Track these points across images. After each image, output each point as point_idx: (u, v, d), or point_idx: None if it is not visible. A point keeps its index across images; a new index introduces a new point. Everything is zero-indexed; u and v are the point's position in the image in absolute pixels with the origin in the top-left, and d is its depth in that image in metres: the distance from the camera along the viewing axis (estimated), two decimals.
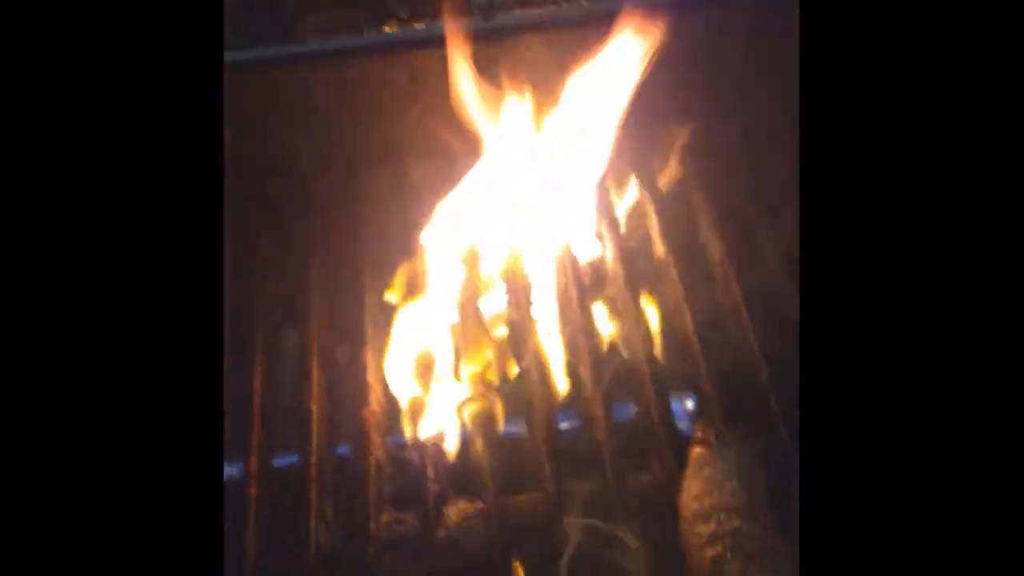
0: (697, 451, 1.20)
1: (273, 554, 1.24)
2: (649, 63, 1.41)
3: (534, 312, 1.46)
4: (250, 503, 1.29)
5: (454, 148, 1.53)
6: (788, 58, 0.95)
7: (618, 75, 1.44)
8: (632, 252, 1.50)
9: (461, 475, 1.32)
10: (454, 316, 1.47)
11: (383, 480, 1.32)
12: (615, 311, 1.47)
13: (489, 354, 1.43)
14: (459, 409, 1.38)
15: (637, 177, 1.59)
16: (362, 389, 1.41)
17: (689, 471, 1.19)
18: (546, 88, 1.45)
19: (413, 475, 1.32)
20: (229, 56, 1.50)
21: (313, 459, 1.33)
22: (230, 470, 1.34)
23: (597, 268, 1.51)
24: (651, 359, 1.38)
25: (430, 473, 1.31)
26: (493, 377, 1.42)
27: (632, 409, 1.37)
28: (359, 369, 1.43)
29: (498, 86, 1.49)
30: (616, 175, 1.60)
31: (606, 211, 1.56)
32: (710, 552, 1.09)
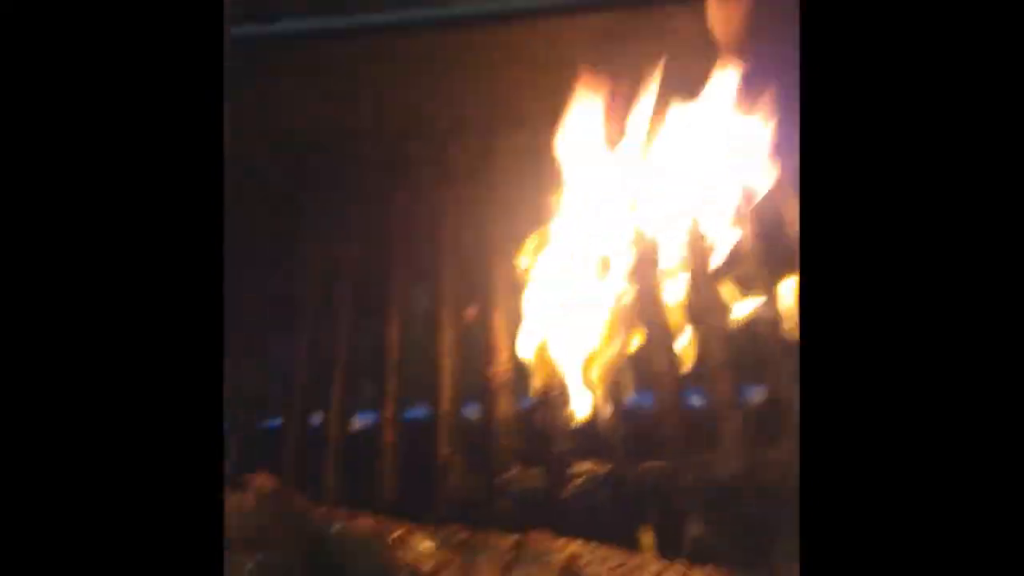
0: None
1: (407, 497, 1.29)
2: None
3: (664, 284, 1.47)
4: (385, 449, 1.34)
5: (587, 118, 1.55)
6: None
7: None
8: (768, 229, 1.50)
9: (588, 438, 1.35)
10: (583, 283, 1.50)
11: (510, 436, 1.35)
12: (747, 289, 1.47)
13: (617, 322, 1.45)
14: (587, 373, 1.41)
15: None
16: (490, 348, 1.45)
17: None
18: (693, 58, 1.45)
19: (540, 434, 1.36)
20: (363, 19, 1.56)
21: (442, 411, 1.38)
22: (366, 417, 1.41)
23: (731, 245, 1.51)
24: (782, 339, 1.38)
25: (557, 433, 1.34)
26: (622, 345, 1.44)
27: (761, 390, 1.37)
28: (488, 329, 1.47)
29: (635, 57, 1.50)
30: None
31: (742, 186, 1.56)
32: None
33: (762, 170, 1.58)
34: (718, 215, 1.55)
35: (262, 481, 1.21)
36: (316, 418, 1.42)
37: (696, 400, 1.37)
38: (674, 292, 1.49)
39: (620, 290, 1.50)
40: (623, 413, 1.36)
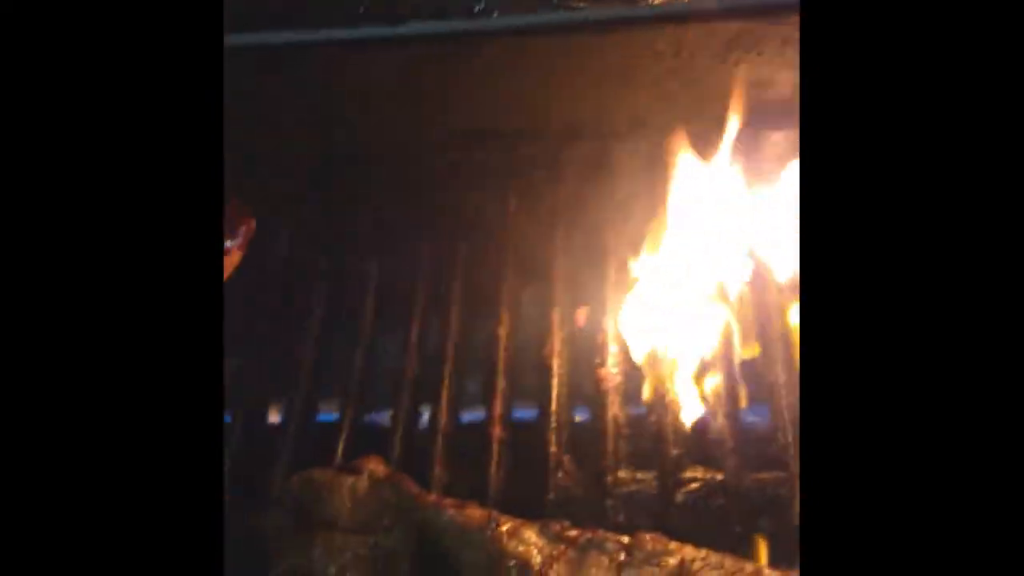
0: None
1: (515, 492, 1.28)
2: None
3: (781, 294, 1.44)
4: (493, 444, 1.34)
5: (706, 124, 1.53)
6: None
7: None
8: None
9: (700, 445, 1.32)
10: (697, 290, 1.48)
11: (620, 438, 1.34)
12: None
13: (731, 331, 1.43)
14: (700, 381, 1.39)
15: None
16: (601, 350, 1.44)
17: None
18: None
19: (650, 438, 1.34)
20: (482, 23, 1.57)
21: (552, 409, 1.37)
22: (474, 414, 1.41)
23: None
24: None
25: (669, 438, 1.32)
26: (736, 354, 1.41)
27: None
28: (598, 332, 1.46)
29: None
30: None
31: None
32: None
33: None
34: None
35: (375, 466, 1.22)
36: (425, 412, 1.43)
37: None
38: (790, 302, 1.46)
39: (735, 298, 1.47)
40: (736, 422, 1.33)
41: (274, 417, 1.45)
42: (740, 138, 1.52)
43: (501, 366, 1.44)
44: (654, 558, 1.13)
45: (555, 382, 1.41)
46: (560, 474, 1.30)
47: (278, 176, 1.66)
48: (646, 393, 1.40)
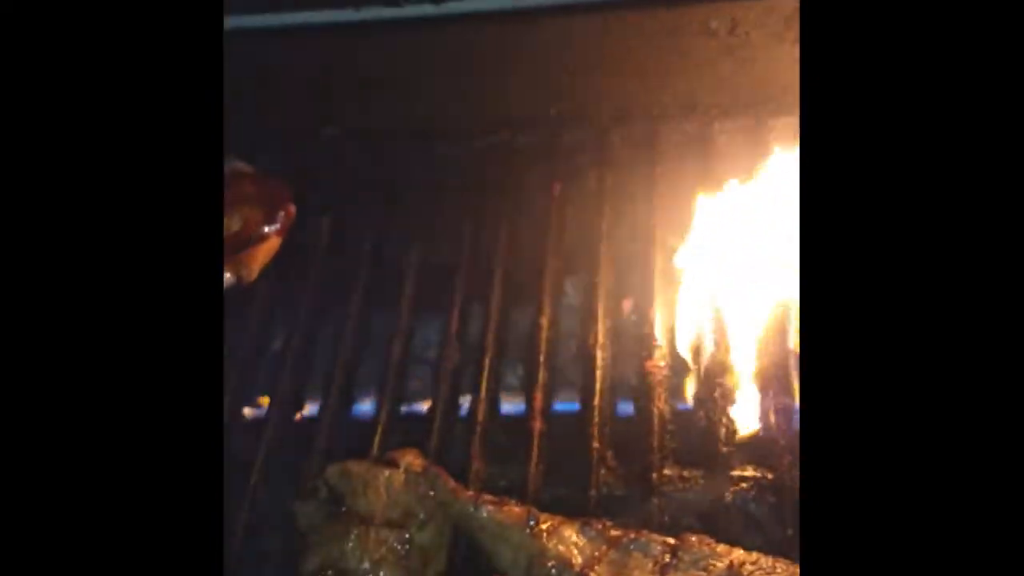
0: None
1: (556, 488, 1.24)
2: None
3: None
4: (533, 438, 1.29)
5: (762, 106, 1.47)
6: None
7: None
8: None
9: (750, 444, 1.26)
10: (748, 281, 1.41)
11: (666, 434, 1.28)
12: None
13: (783, 326, 1.36)
14: (750, 377, 1.32)
15: None
16: (648, 342, 1.38)
17: None
18: None
19: (698, 434, 1.28)
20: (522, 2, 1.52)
21: (596, 403, 1.32)
22: (514, 402, 1.37)
23: None
24: None
25: (718, 434, 1.26)
26: (788, 350, 1.34)
27: None
28: (645, 323, 1.41)
29: None
30: None
31: None
32: None
33: None
34: None
35: (411, 459, 1.18)
36: (464, 404, 1.39)
37: None
38: None
39: (788, 291, 1.40)
40: (789, 418, 1.27)
41: (311, 406, 1.42)
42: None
43: (543, 357, 1.39)
44: (701, 561, 1.07)
45: (599, 374, 1.35)
46: (603, 471, 1.25)
47: (318, 160, 1.64)
48: (694, 387, 1.34)
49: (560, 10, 1.53)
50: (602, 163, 1.59)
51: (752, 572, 1.06)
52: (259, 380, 1.43)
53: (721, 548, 1.08)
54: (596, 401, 1.33)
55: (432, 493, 1.16)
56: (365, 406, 1.41)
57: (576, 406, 1.35)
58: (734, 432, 1.28)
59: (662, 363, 1.36)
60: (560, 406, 1.37)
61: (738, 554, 1.07)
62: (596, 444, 1.28)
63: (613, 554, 1.09)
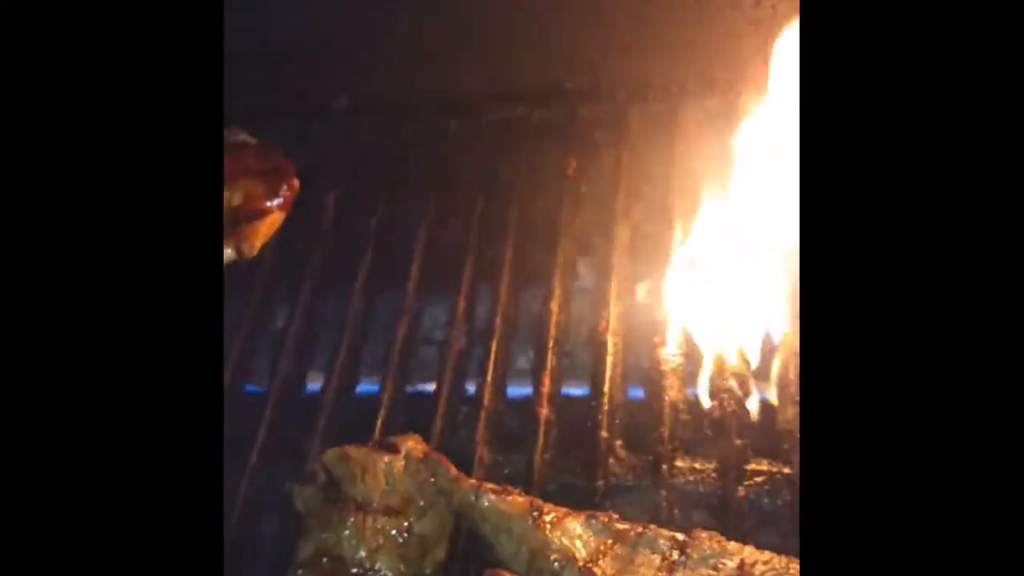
0: None
1: (562, 477, 1.20)
2: None
3: None
4: (540, 425, 1.25)
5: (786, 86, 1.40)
6: None
7: None
8: None
9: (765, 437, 1.21)
10: (767, 264, 1.35)
11: (678, 424, 1.24)
12: None
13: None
14: (768, 367, 1.27)
15: None
16: (661, 328, 1.33)
17: None
18: None
19: (711, 425, 1.23)
20: None
21: (605, 390, 1.28)
22: (521, 387, 1.33)
23: None
24: None
25: (731, 426, 1.21)
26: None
27: None
28: (659, 308, 1.36)
29: None
30: None
31: None
32: None
33: None
34: None
35: (412, 444, 1.14)
36: (470, 388, 1.34)
37: None
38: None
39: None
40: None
41: (312, 386, 1.38)
42: None
43: (552, 342, 1.34)
44: (710, 559, 1.03)
45: (609, 361, 1.31)
46: (611, 461, 1.21)
47: (325, 133, 1.59)
48: (708, 376, 1.29)
49: None
50: (619, 141, 1.54)
51: (764, 572, 1.02)
52: (260, 358, 1.40)
53: (732, 546, 1.03)
54: (606, 388, 1.28)
55: (433, 480, 1.12)
56: (368, 387, 1.37)
57: (585, 394, 1.30)
58: (748, 423, 1.23)
59: (675, 350, 1.31)
60: (568, 392, 1.33)
61: (749, 552, 1.03)
62: (605, 433, 1.24)
63: (619, 548, 1.05)
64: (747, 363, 1.28)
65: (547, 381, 1.30)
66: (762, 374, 1.28)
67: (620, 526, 1.06)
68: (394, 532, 1.09)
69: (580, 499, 1.15)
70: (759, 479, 1.15)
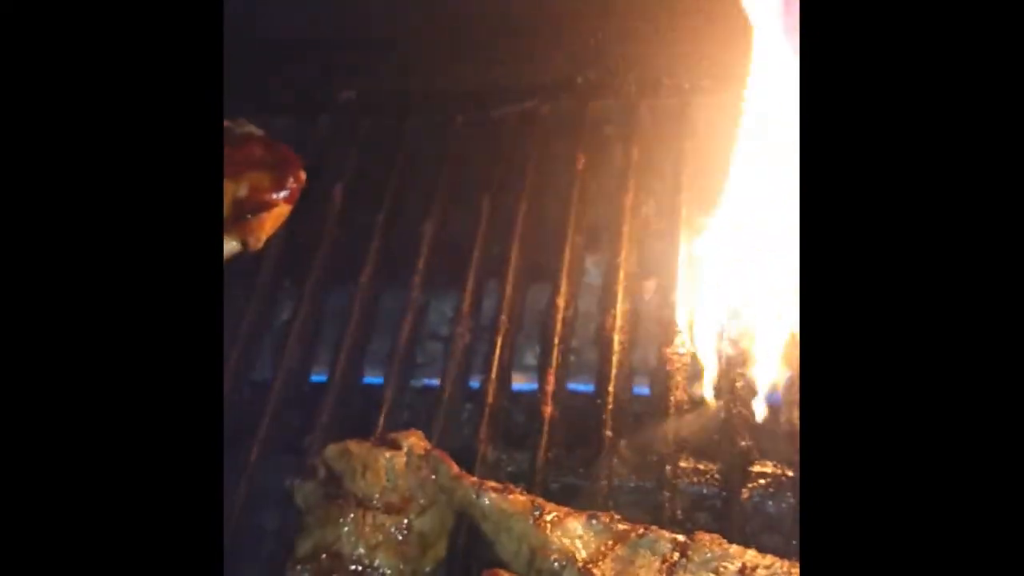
0: None
1: (564, 476, 1.19)
2: None
3: None
4: (543, 422, 1.24)
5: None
6: None
7: None
8: None
9: (770, 437, 1.20)
10: (777, 263, 1.34)
11: (682, 425, 1.22)
12: None
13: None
14: (776, 367, 1.25)
15: None
16: (668, 327, 1.32)
17: None
18: None
19: (716, 426, 1.22)
20: None
21: (610, 389, 1.27)
22: (525, 384, 1.32)
23: None
24: None
25: (737, 427, 1.20)
26: None
27: None
28: (667, 306, 1.34)
29: None
30: None
31: None
32: None
33: None
34: None
35: (414, 441, 1.13)
36: (474, 384, 1.34)
37: None
38: None
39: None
40: None
41: (316, 380, 1.38)
42: None
43: (558, 339, 1.33)
44: (712, 562, 1.02)
45: (615, 359, 1.30)
46: (614, 460, 1.20)
47: (332, 125, 1.58)
48: (715, 376, 1.28)
49: None
50: (629, 136, 1.52)
51: None
52: (264, 351, 1.40)
53: (734, 549, 1.02)
54: (611, 387, 1.27)
55: (434, 478, 1.11)
56: (372, 382, 1.36)
57: (590, 392, 1.29)
58: (754, 425, 1.21)
59: (682, 349, 1.30)
60: (574, 390, 1.31)
61: (751, 556, 1.02)
62: (609, 432, 1.23)
63: (620, 550, 1.04)
64: (754, 364, 1.27)
65: (552, 378, 1.28)
66: (768, 375, 1.26)
67: (621, 527, 1.05)
68: (394, 529, 1.08)
69: (582, 498, 1.14)
70: (763, 481, 1.14)
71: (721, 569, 1.02)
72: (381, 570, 1.06)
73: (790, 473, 1.15)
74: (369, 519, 1.08)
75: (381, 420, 1.28)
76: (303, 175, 1.43)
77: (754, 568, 1.01)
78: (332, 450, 1.14)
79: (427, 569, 1.09)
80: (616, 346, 1.31)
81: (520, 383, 1.34)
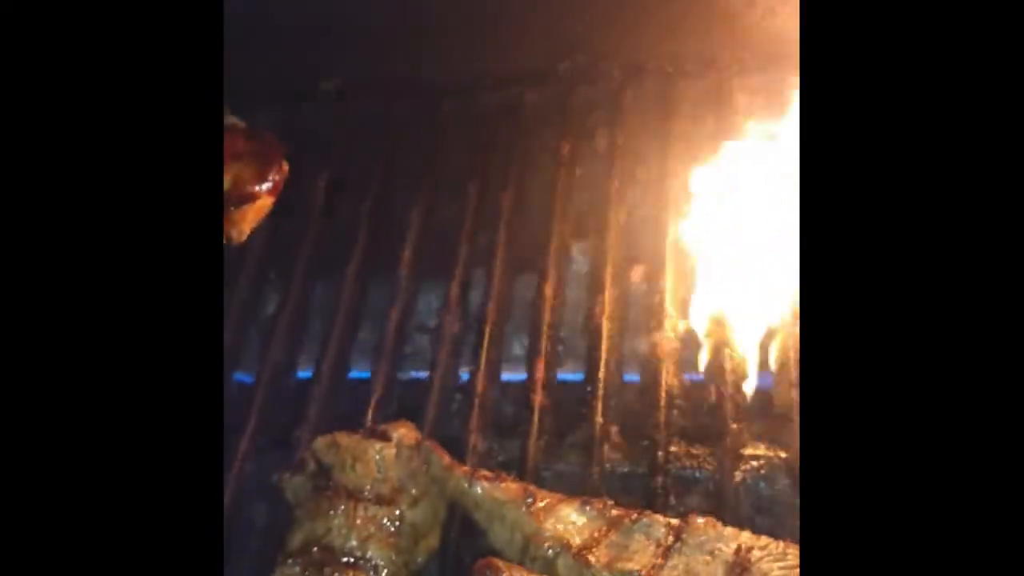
0: None
1: (556, 464, 1.18)
2: None
3: None
4: (533, 412, 1.23)
5: (785, 64, 1.38)
6: None
7: None
8: None
9: (762, 420, 1.20)
10: (764, 246, 1.33)
11: (674, 409, 1.22)
12: None
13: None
14: (766, 351, 1.25)
15: None
16: (657, 312, 1.31)
17: None
18: None
19: (708, 410, 1.22)
20: None
21: (600, 376, 1.26)
22: (514, 375, 1.31)
23: None
24: None
25: (728, 411, 1.19)
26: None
27: None
28: (656, 292, 1.34)
29: None
30: None
31: None
32: None
33: None
34: None
35: (404, 432, 1.12)
36: (463, 374, 1.33)
37: None
38: None
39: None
40: None
41: (303, 374, 1.36)
42: None
43: (547, 327, 1.32)
44: (707, 545, 1.01)
45: (605, 346, 1.29)
46: (606, 447, 1.19)
47: (315, 116, 1.57)
48: (705, 361, 1.27)
49: None
50: (614, 122, 1.51)
51: (760, 558, 1.00)
52: (250, 345, 1.38)
53: (728, 531, 1.02)
54: (601, 374, 1.26)
55: (425, 468, 1.10)
56: (360, 374, 1.35)
57: (580, 379, 1.28)
58: (745, 408, 1.21)
59: (672, 335, 1.29)
60: (564, 378, 1.31)
61: (746, 538, 1.01)
62: (600, 419, 1.22)
63: (614, 535, 1.03)
64: (744, 347, 1.26)
65: (541, 367, 1.28)
66: (760, 358, 1.26)
67: (615, 512, 1.04)
68: (386, 521, 1.07)
69: (575, 485, 1.13)
70: (755, 464, 1.14)
71: (716, 551, 1.01)
72: (373, 562, 1.05)
73: (783, 455, 1.15)
74: (360, 511, 1.07)
75: (370, 412, 1.27)
76: (286, 167, 1.41)
77: (749, 549, 1.00)
78: (321, 442, 1.13)
79: (420, 560, 1.08)
80: (605, 332, 1.31)
81: (509, 372, 1.33)
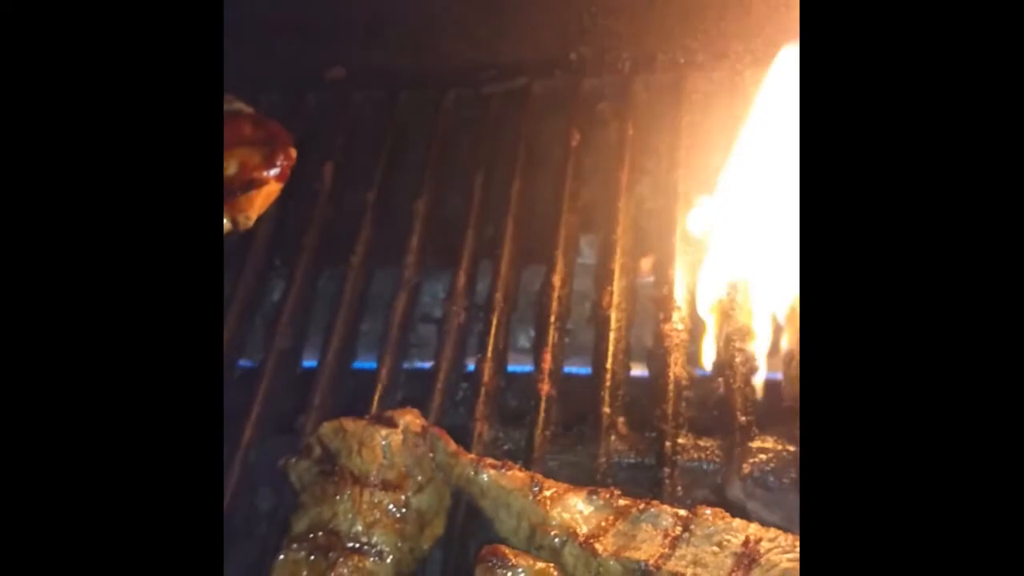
0: None
1: (563, 453, 1.17)
2: None
3: None
4: (540, 401, 1.23)
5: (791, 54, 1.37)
6: None
7: None
8: None
9: (771, 412, 1.19)
10: (775, 238, 1.32)
11: (682, 401, 1.21)
12: None
13: None
14: (777, 343, 1.24)
15: None
16: (665, 304, 1.30)
17: None
18: None
19: (716, 402, 1.21)
20: None
21: (608, 366, 1.25)
22: (521, 366, 1.30)
23: None
24: None
25: (736, 403, 1.19)
26: None
27: None
28: (664, 283, 1.33)
29: None
30: None
31: None
32: None
33: None
34: None
35: (410, 419, 1.11)
36: (470, 364, 1.32)
37: None
38: None
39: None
40: None
41: (309, 360, 1.35)
42: None
43: (554, 318, 1.31)
44: (715, 536, 1.01)
45: (612, 337, 1.28)
46: (613, 438, 1.18)
47: (322, 103, 1.56)
48: (713, 352, 1.26)
49: None
50: (624, 113, 1.50)
51: (769, 549, 0.99)
52: (255, 332, 1.37)
53: (737, 523, 1.01)
54: (609, 364, 1.26)
55: (431, 455, 1.09)
56: (366, 362, 1.34)
57: (587, 370, 1.28)
58: (753, 400, 1.20)
59: (680, 326, 1.28)
60: (571, 369, 1.30)
61: (754, 529, 1.00)
62: (607, 409, 1.21)
63: (621, 524, 1.03)
64: (753, 339, 1.25)
65: (548, 357, 1.27)
66: (769, 351, 1.25)
67: (622, 502, 1.04)
68: (391, 507, 1.06)
69: (582, 476, 1.13)
70: (763, 456, 1.13)
71: (724, 542, 1.00)
72: (378, 547, 1.04)
73: (791, 448, 1.14)
74: (366, 496, 1.06)
75: (375, 401, 1.26)
76: (294, 152, 1.41)
77: (757, 541, 1.00)
78: (327, 427, 1.12)
79: (425, 547, 1.07)
80: (613, 323, 1.30)
81: (516, 363, 1.32)
